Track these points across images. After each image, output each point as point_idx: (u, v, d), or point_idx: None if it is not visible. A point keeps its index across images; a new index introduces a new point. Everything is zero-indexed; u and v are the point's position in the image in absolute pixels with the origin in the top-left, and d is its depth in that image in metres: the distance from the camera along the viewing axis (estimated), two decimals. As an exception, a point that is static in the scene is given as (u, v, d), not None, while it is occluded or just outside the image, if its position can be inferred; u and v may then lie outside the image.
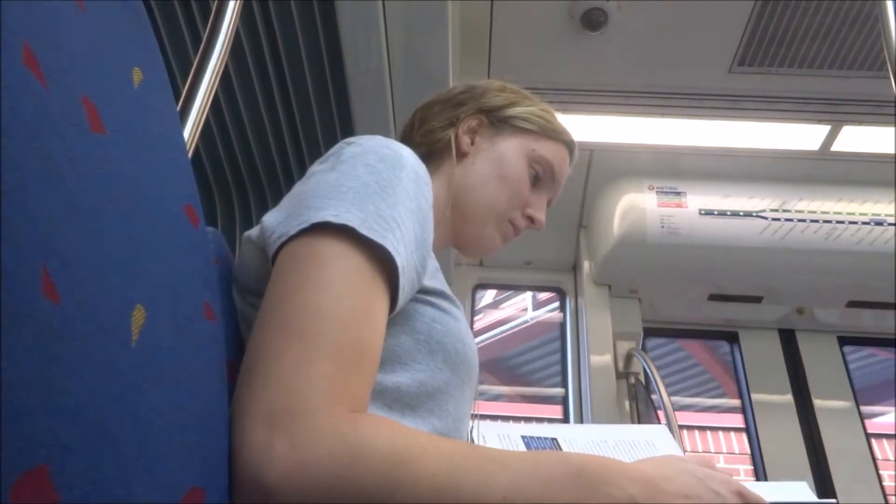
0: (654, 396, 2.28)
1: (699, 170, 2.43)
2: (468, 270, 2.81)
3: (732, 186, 2.39)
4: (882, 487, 2.37)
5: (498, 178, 0.85)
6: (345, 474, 0.43)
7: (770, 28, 1.97)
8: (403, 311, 0.60)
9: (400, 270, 0.54)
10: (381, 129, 1.85)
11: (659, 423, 2.10)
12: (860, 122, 2.23)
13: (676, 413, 1.97)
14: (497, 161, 0.86)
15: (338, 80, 1.76)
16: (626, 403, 2.42)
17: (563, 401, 2.60)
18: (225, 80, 1.73)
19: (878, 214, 2.30)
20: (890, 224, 2.28)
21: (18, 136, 0.29)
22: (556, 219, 2.53)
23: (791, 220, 2.31)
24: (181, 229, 0.48)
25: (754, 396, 2.58)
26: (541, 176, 0.88)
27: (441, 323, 0.63)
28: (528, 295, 5.55)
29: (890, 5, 0.95)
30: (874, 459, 2.43)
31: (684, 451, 0.97)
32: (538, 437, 0.87)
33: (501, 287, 2.89)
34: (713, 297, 2.54)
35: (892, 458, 4.77)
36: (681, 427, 2.33)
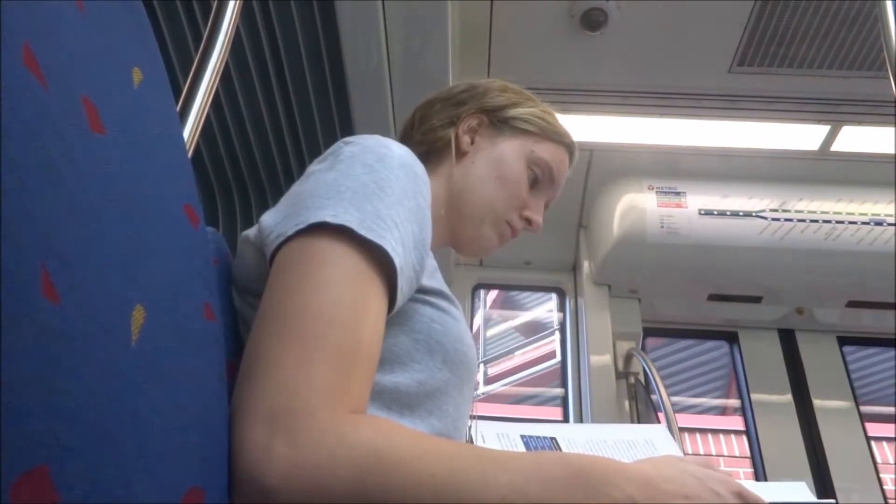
0: (653, 397, 2.28)
1: (699, 170, 2.43)
2: (468, 270, 2.81)
3: (732, 186, 2.39)
4: (882, 487, 2.37)
5: (497, 179, 0.85)
6: (344, 475, 0.43)
7: (770, 28, 1.97)
8: (402, 311, 0.60)
9: (398, 270, 0.54)
10: (381, 128, 1.85)
11: (658, 423, 2.10)
12: (860, 123, 2.23)
13: (677, 414, 1.97)
14: (496, 161, 0.86)
15: (338, 79, 1.76)
16: (626, 403, 2.42)
17: (563, 401, 2.60)
18: (225, 79, 1.73)
19: (878, 214, 2.30)
20: (889, 224, 2.28)
21: (18, 136, 0.29)
22: (556, 219, 2.54)
23: (791, 220, 2.31)
24: (181, 229, 0.48)
25: (754, 396, 2.58)
26: (539, 178, 0.88)
27: (440, 322, 0.63)
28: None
29: (889, 5, 0.95)
30: (874, 459, 2.43)
31: (683, 450, 0.97)
32: (537, 437, 0.87)
33: (501, 287, 2.89)
34: (713, 297, 2.54)
35: (891, 461, 4.77)
36: (680, 429, 2.33)
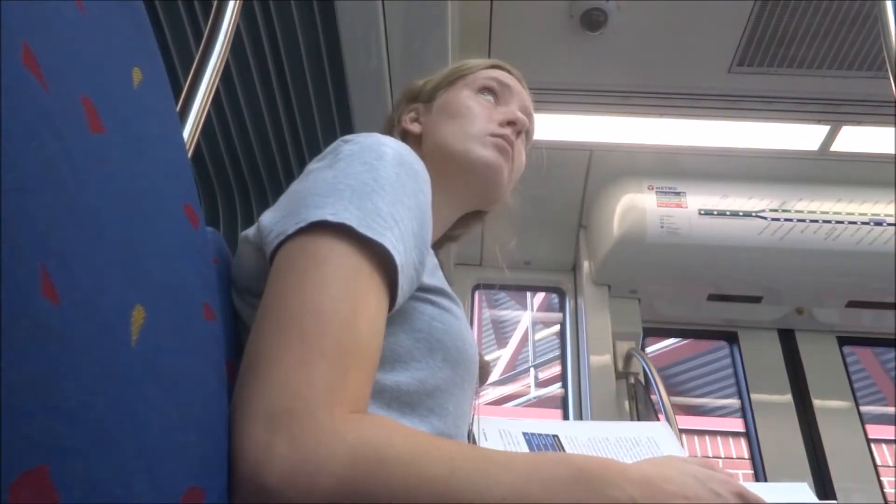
0: (653, 396, 2.28)
1: (699, 170, 2.43)
2: (468, 270, 2.81)
3: (732, 186, 2.39)
4: (881, 487, 2.37)
5: (451, 117, 0.86)
6: (345, 475, 0.43)
7: (769, 28, 1.97)
8: (402, 310, 0.60)
9: (399, 269, 0.54)
10: (381, 128, 1.84)
11: (659, 421, 2.10)
12: (859, 123, 2.23)
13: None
14: (443, 110, 0.88)
15: (337, 79, 1.76)
16: (626, 403, 2.42)
17: (563, 401, 2.60)
18: (226, 79, 1.73)
19: (878, 214, 2.30)
20: (889, 224, 2.28)
21: (18, 136, 0.29)
22: (556, 219, 2.55)
23: (790, 220, 2.31)
24: (180, 229, 0.48)
25: (754, 397, 2.58)
26: (493, 90, 0.90)
27: (441, 321, 0.63)
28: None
29: (889, 5, 0.95)
30: (873, 459, 2.43)
31: (684, 449, 0.97)
32: (539, 434, 0.87)
33: (501, 287, 2.88)
34: (713, 297, 2.54)
35: (891, 463, 4.76)
36: (680, 431, 2.33)
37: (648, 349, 2.90)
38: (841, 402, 2.55)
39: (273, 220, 0.58)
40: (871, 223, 2.29)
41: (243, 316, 0.61)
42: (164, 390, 0.39)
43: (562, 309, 2.81)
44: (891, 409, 5.08)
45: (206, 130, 1.92)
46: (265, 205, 2.19)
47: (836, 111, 2.21)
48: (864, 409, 2.59)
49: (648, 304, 2.62)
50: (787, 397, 2.57)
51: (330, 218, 0.53)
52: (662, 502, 0.48)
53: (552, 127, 2.26)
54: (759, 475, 2.43)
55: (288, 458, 0.42)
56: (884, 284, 2.31)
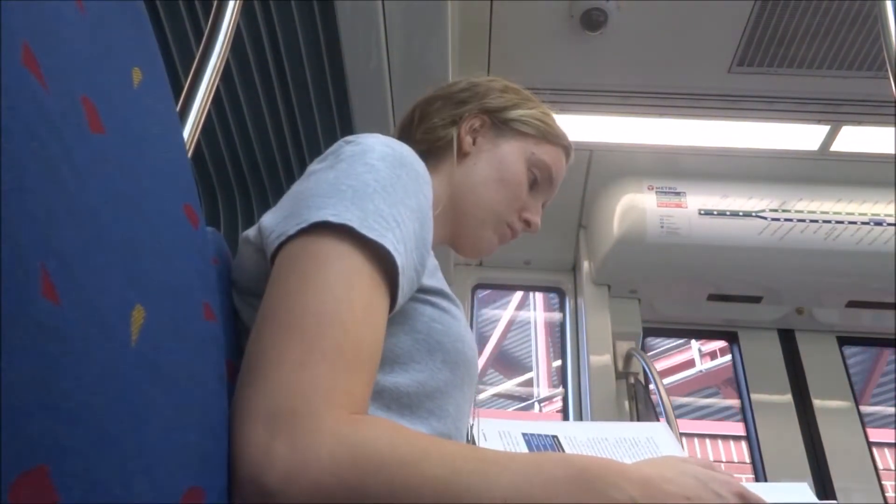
0: (653, 396, 2.28)
1: (699, 170, 2.43)
2: (467, 270, 2.81)
3: (732, 186, 2.39)
4: (881, 487, 2.37)
5: (498, 181, 0.86)
6: (345, 476, 0.43)
7: (769, 28, 1.97)
8: (402, 311, 0.60)
9: (400, 270, 0.54)
10: (381, 128, 1.85)
11: (658, 421, 2.10)
12: (859, 123, 2.23)
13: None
14: (499, 163, 0.86)
15: (337, 79, 1.76)
16: (626, 403, 2.42)
17: (563, 401, 2.60)
18: (226, 79, 1.73)
19: (878, 214, 2.30)
20: (889, 224, 2.28)
21: (18, 136, 0.29)
22: (556, 219, 2.55)
23: (790, 220, 2.31)
24: (180, 229, 0.48)
25: (754, 397, 2.58)
26: (539, 179, 0.89)
27: (440, 322, 0.63)
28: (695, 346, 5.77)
29: (889, 5, 0.95)
30: (873, 459, 2.43)
31: (684, 449, 0.97)
32: (539, 435, 0.87)
33: (501, 287, 2.89)
34: (712, 297, 2.54)
35: (892, 467, 4.75)
36: (681, 435, 2.33)
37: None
38: (841, 402, 2.55)
39: (274, 220, 0.58)
40: (871, 223, 2.29)
41: (244, 317, 0.61)
42: (163, 390, 0.39)
43: (562, 309, 2.81)
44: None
45: (207, 130, 1.92)
46: (265, 205, 2.19)
47: (836, 111, 2.21)
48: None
49: (648, 304, 2.62)
50: (787, 397, 2.57)
51: (331, 219, 0.53)
52: (663, 502, 0.48)
53: (552, 127, 2.26)
54: (759, 475, 2.43)
55: (288, 458, 0.42)
56: (884, 284, 2.31)
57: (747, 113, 2.24)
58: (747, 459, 2.54)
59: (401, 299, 0.57)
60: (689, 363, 6.43)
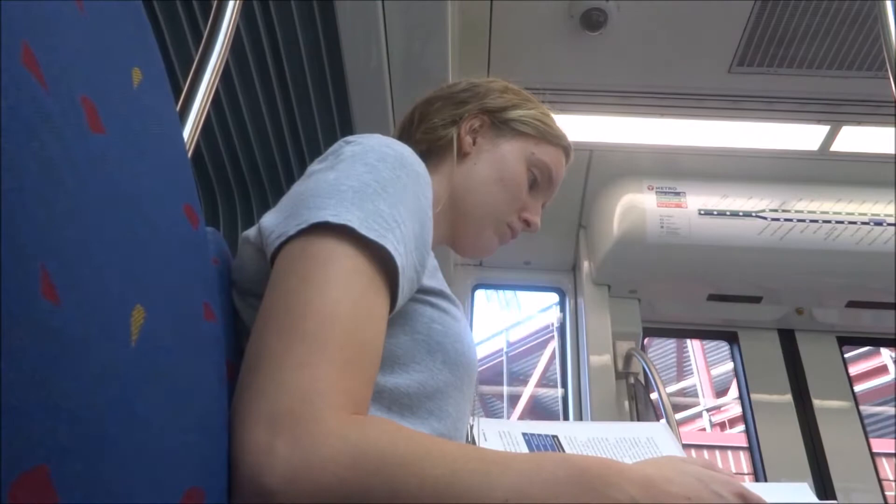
0: (653, 396, 2.28)
1: (698, 170, 2.43)
2: (467, 271, 2.81)
3: (732, 186, 2.39)
4: (881, 487, 2.37)
5: (499, 181, 0.86)
6: (347, 476, 0.43)
7: (769, 28, 1.98)
8: (402, 312, 0.60)
9: (400, 270, 0.54)
10: (381, 128, 1.85)
11: (658, 421, 2.10)
12: (859, 123, 2.23)
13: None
14: (499, 163, 0.87)
15: (337, 79, 1.76)
16: (626, 403, 2.42)
17: (563, 401, 2.60)
18: (225, 79, 1.73)
19: (878, 214, 2.30)
20: (889, 224, 2.28)
21: (17, 136, 0.29)
22: (556, 219, 2.55)
23: (790, 220, 2.31)
24: (180, 229, 0.48)
25: (754, 397, 2.59)
26: (538, 180, 0.89)
27: (440, 323, 0.63)
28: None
29: (889, 5, 0.95)
30: (873, 459, 2.43)
31: (683, 449, 0.97)
32: (539, 435, 0.87)
33: (501, 287, 2.89)
34: (712, 297, 2.54)
35: (891, 477, 4.72)
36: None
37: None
38: (841, 402, 2.55)
39: (274, 221, 0.58)
40: (871, 223, 2.29)
41: (244, 317, 0.61)
42: (163, 390, 0.39)
43: (562, 309, 2.81)
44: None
45: (206, 131, 1.92)
46: (265, 205, 2.19)
47: (836, 111, 2.21)
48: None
49: (648, 304, 2.62)
50: (787, 397, 2.57)
51: (331, 219, 0.53)
52: (663, 503, 0.48)
53: (552, 127, 2.26)
54: (759, 475, 2.43)
55: (290, 459, 0.42)
56: (884, 284, 2.31)
57: (747, 113, 2.24)
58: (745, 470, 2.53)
59: (401, 300, 0.56)
60: (882, 369, 6.17)
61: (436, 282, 0.66)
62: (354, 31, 1.61)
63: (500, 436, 0.85)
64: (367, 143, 0.63)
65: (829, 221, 2.31)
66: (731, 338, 2.74)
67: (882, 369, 6.19)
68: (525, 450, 0.84)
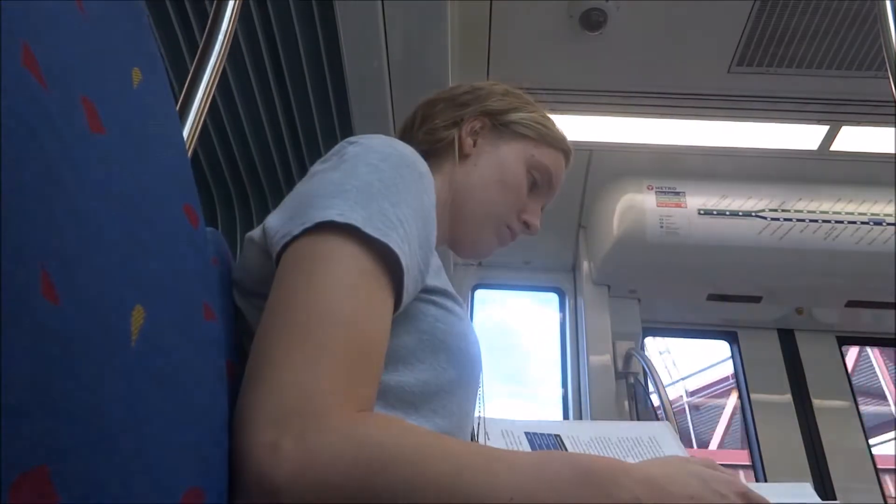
0: (653, 396, 2.28)
1: (698, 170, 2.43)
2: (467, 270, 2.81)
3: (731, 186, 2.39)
4: (881, 487, 2.38)
5: (499, 182, 0.87)
6: (353, 474, 0.43)
7: (769, 28, 1.98)
8: (406, 311, 0.60)
9: (405, 269, 0.54)
10: (381, 128, 1.85)
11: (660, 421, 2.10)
12: (859, 122, 2.23)
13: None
14: (499, 165, 0.87)
15: (337, 80, 1.76)
16: (626, 403, 2.42)
17: (563, 401, 2.60)
18: (224, 80, 1.73)
19: (878, 214, 2.31)
20: (889, 224, 2.28)
21: (18, 136, 0.29)
22: (556, 219, 2.55)
23: (790, 219, 2.31)
24: (180, 229, 0.48)
25: (753, 396, 2.59)
26: (538, 182, 0.90)
27: (444, 322, 0.63)
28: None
29: (889, 5, 0.95)
30: (873, 459, 2.43)
31: (685, 449, 0.97)
32: (541, 434, 0.87)
33: (501, 287, 2.89)
34: (712, 297, 2.54)
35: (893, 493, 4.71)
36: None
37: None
38: (840, 401, 2.55)
39: (279, 221, 0.58)
40: (871, 223, 2.30)
41: (248, 318, 0.61)
42: (163, 391, 0.39)
43: (561, 309, 2.81)
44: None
45: (205, 132, 1.92)
46: (264, 207, 2.19)
47: (836, 111, 2.21)
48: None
49: (648, 304, 2.62)
50: (787, 397, 2.57)
51: (336, 218, 0.53)
52: (667, 502, 0.48)
53: (552, 127, 2.26)
54: (759, 475, 2.43)
55: (295, 456, 0.42)
56: (883, 284, 2.31)
57: (747, 113, 2.24)
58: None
59: (406, 299, 0.57)
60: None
61: (439, 281, 0.66)
62: (354, 32, 1.61)
63: (504, 435, 0.85)
64: (370, 143, 0.63)
65: (828, 221, 2.31)
66: (731, 338, 2.74)
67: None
68: (528, 449, 0.84)
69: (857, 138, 2.30)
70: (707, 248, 2.31)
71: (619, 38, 2.03)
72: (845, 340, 2.70)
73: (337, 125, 1.89)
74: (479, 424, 0.81)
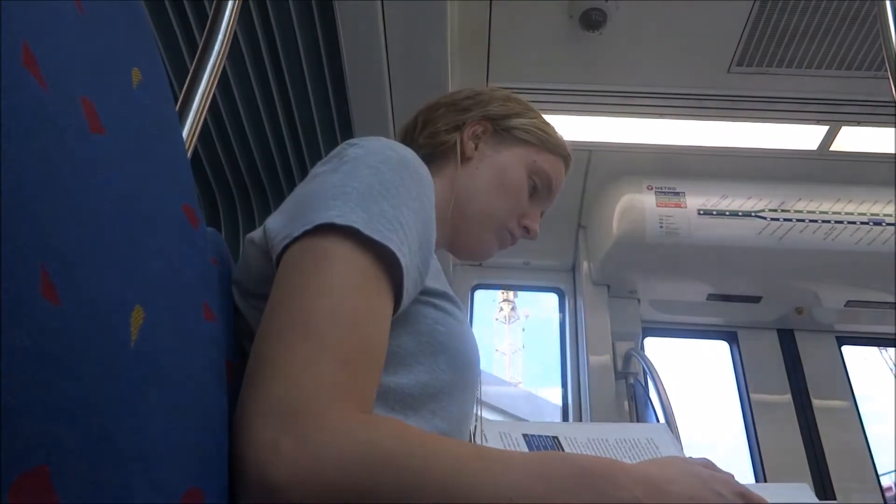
0: (652, 396, 2.28)
1: (698, 170, 2.43)
2: (467, 271, 2.81)
3: (731, 186, 2.39)
4: (880, 487, 2.38)
5: (500, 187, 0.87)
6: (353, 474, 0.43)
7: (769, 28, 1.98)
8: (406, 313, 0.60)
9: (404, 271, 0.54)
10: (380, 129, 1.85)
11: (658, 422, 2.10)
12: (859, 123, 2.24)
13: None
14: (500, 169, 0.88)
15: (337, 80, 1.76)
16: (625, 404, 2.42)
17: (563, 401, 2.60)
18: (224, 80, 1.73)
19: (877, 214, 2.31)
20: (888, 224, 2.28)
21: (17, 136, 0.29)
22: (555, 219, 2.56)
23: (790, 220, 2.31)
24: (180, 229, 0.48)
25: (753, 396, 2.59)
26: (538, 187, 0.91)
27: (443, 324, 0.63)
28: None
29: (889, 5, 0.95)
30: (872, 459, 2.43)
31: (683, 450, 0.98)
32: (539, 436, 0.87)
33: (501, 288, 2.89)
34: (712, 297, 2.54)
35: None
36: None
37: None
38: (840, 401, 2.55)
39: (279, 223, 0.58)
40: (871, 223, 2.30)
41: (249, 318, 0.61)
42: (163, 391, 0.39)
43: (561, 309, 2.81)
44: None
45: (205, 133, 1.92)
46: (265, 206, 2.20)
47: (836, 111, 2.22)
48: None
49: (647, 305, 2.62)
50: (787, 397, 2.57)
51: (336, 220, 0.53)
52: (665, 502, 0.49)
53: (551, 127, 2.26)
54: (759, 475, 2.44)
55: (295, 457, 0.43)
56: (883, 284, 2.31)
57: (747, 113, 2.25)
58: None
59: (405, 301, 0.57)
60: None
61: (439, 283, 0.66)
62: (354, 33, 1.61)
63: (501, 437, 0.86)
64: (371, 145, 0.63)
65: (828, 221, 2.31)
66: (731, 338, 2.74)
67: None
68: (526, 450, 0.84)
69: (856, 138, 2.30)
70: (707, 248, 2.31)
71: (618, 38, 2.03)
72: (845, 340, 2.70)
73: (337, 126, 1.89)
74: (476, 426, 0.81)
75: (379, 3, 1.56)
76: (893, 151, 2.26)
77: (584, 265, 2.61)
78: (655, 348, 2.77)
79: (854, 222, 2.30)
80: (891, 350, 2.86)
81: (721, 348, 2.77)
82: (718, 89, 2.19)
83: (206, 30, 0.91)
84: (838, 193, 2.36)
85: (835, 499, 2.32)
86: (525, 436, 0.87)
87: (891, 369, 3.25)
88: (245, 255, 0.65)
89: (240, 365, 0.53)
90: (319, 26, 1.63)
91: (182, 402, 0.41)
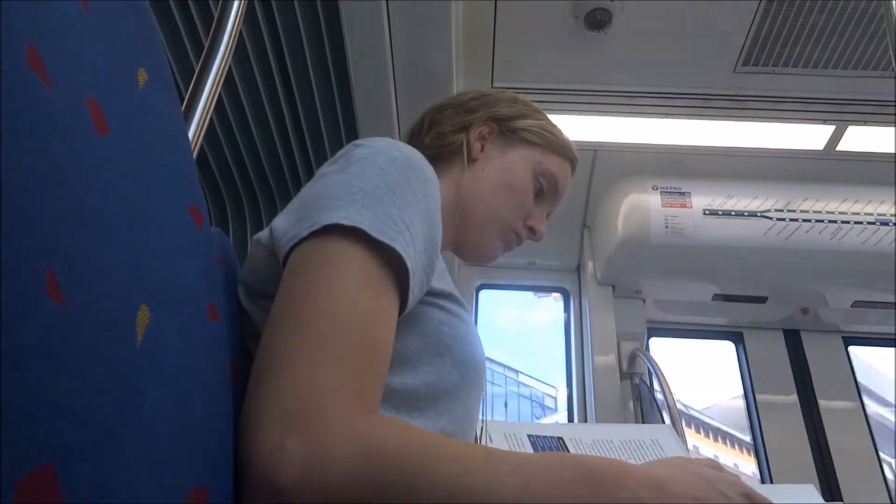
0: (658, 397, 2.27)
1: (703, 170, 2.42)
2: (471, 271, 2.81)
3: (737, 186, 2.38)
4: (887, 488, 2.36)
5: (505, 188, 0.87)
6: (359, 474, 0.43)
7: (775, 28, 1.97)
8: (411, 314, 0.60)
9: (410, 272, 0.55)
10: (385, 129, 1.85)
11: (663, 423, 2.09)
12: (865, 122, 2.23)
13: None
14: (506, 171, 0.88)
15: (341, 81, 1.76)
16: (630, 404, 2.42)
17: (567, 401, 2.60)
18: (229, 81, 1.73)
19: (884, 214, 2.30)
20: (895, 224, 2.27)
21: (23, 136, 0.29)
22: (560, 219, 2.55)
23: (796, 220, 2.30)
24: (185, 229, 0.48)
25: (759, 397, 2.58)
26: (544, 189, 0.91)
27: (449, 325, 0.63)
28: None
29: (895, 5, 0.94)
30: (879, 460, 2.42)
31: (688, 451, 0.97)
32: (544, 437, 0.87)
33: (506, 288, 2.89)
34: (717, 298, 2.53)
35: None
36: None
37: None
38: (847, 402, 2.54)
39: (286, 223, 0.58)
40: (877, 223, 2.29)
41: (255, 319, 0.61)
42: (168, 391, 0.39)
43: (566, 309, 2.80)
44: None
45: (211, 134, 1.92)
46: (272, 206, 2.20)
47: (842, 111, 2.21)
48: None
49: (652, 305, 2.61)
50: (793, 398, 2.56)
51: (343, 221, 0.53)
52: (671, 503, 0.48)
53: (556, 127, 2.26)
54: (765, 476, 2.43)
55: (301, 457, 0.43)
56: (889, 284, 2.30)
57: (752, 113, 2.24)
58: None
59: (411, 302, 0.57)
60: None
61: (444, 284, 0.66)
62: (358, 33, 1.62)
63: (506, 438, 0.85)
64: (377, 146, 0.63)
65: (834, 221, 2.30)
66: (737, 338, 2.73)
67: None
68: (531, 451, 0.84)
69: (863, 138, 2.29)
70: (712, 248, 2.31)
71: (623, 38, 2.03)
72: (851, 341, 2.69)
73: (342, 126, 1.90)
74: (482, 427, 0.81)
75: (384, 3, 1.56)
76: (900, 151, 2.25)
77: (589, 265, 2.61)
78: (661, 348, 2.77)
79: (861, 222, 2.29)
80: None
81: (727, 349, 2.77)
82: (724, 89, 2.19)
83: (211, 30, 0.91)
84: (845, 193, 2.35)
85: (841, 500, 2.31)
86: (530, 437, 0.86)
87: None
88: (252, 255, 0.65)
89: (245, 365, 0.53)
90: (324, 27, 1.63)
91: (187, 402, 0.41)
